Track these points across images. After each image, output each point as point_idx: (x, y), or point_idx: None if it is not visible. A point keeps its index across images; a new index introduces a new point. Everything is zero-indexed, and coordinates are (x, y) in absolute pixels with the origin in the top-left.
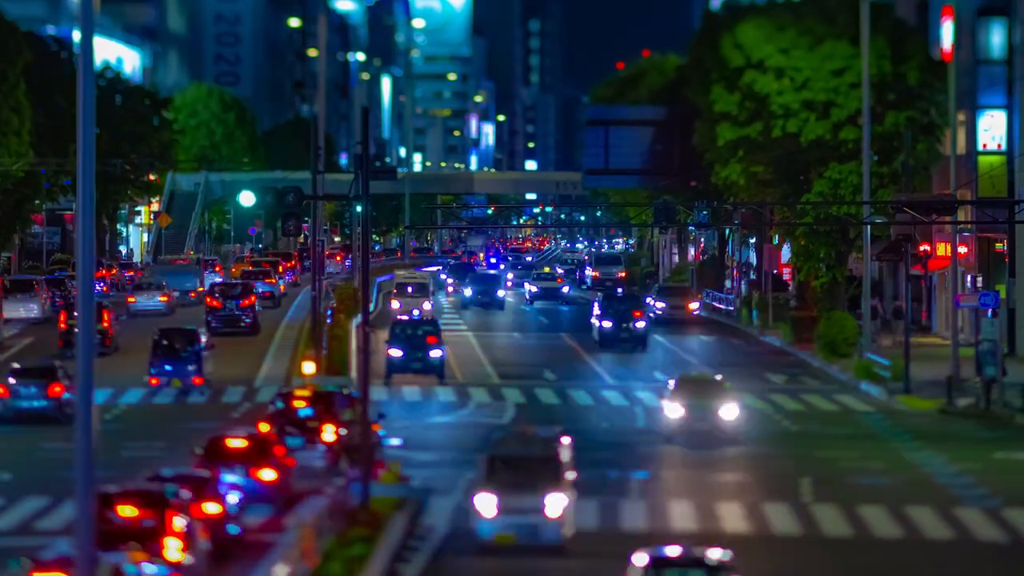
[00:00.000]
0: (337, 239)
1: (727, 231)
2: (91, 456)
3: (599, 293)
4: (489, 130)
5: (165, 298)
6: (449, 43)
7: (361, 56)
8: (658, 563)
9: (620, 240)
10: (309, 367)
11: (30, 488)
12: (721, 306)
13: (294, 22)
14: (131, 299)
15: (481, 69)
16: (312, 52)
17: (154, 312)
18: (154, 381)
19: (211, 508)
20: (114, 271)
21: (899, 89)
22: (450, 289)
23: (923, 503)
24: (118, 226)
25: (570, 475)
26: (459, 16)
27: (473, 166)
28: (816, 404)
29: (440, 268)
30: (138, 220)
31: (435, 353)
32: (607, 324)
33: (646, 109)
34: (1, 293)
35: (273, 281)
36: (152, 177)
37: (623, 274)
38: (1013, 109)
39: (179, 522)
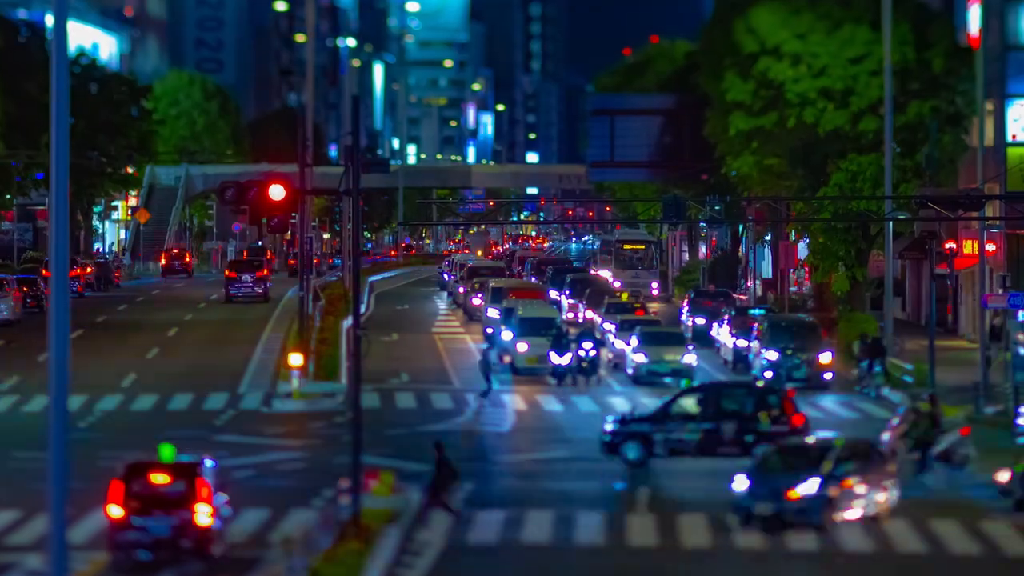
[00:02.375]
0: (326, 236)
1: (740, 227)
2: (66, 465)
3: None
4: (488, 120)
5: None
6: (445, 28)
7: (352, 42)
8: None
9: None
10: (296, 370)
11: None
12: None
13: (280, 5)
14: None
15: (479, 55)
16: (300, 37)
17: None
18: None
19: None
20: (89, 270)
21: (923, 77)
22: None
23: (948, 516)
24: (94, 222)
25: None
26: None
27: (471, 158)
28: (835, 411)
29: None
30: (115, 216)
31: None
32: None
33: (654, 98)
34: None
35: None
36: (130, 170)
37: None
38: None
39: None
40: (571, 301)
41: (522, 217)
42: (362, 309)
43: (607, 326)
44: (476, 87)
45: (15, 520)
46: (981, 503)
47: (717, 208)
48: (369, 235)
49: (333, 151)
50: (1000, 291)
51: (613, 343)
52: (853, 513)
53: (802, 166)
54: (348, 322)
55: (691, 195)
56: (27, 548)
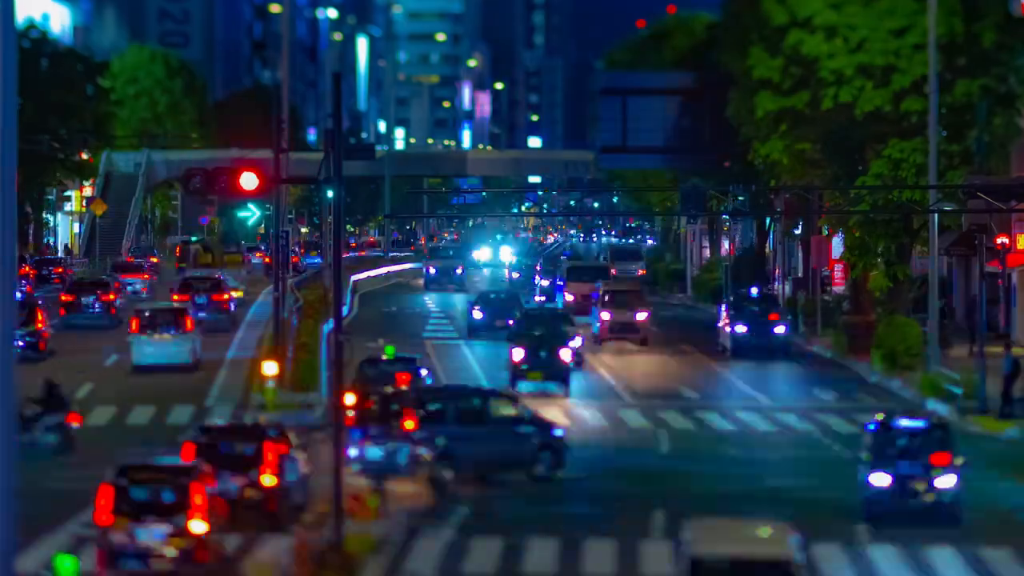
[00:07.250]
0: (304, 229)
1: (767, 220)
2: (12, 482)
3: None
4: (485, 100)
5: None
6: None
7: (333, 12)
8: None
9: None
10: (270, 375)
11: None
12: None
13: None
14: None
15: (475, 28)
16: (274, 8)
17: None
18: None
19: None
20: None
21: (972, 52)
22: None
23: (1001, 544)
24: (44, 214)
25: None
26: None
27: (466, 143)
28: None
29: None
30: (68, 207)
31: None
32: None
33: (671, 76)
34: None
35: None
36: (84, 156)
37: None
38: None
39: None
40: None
41: (523, 209)
42: (344, 311)
43: None
44: (472, 63)
45: None
46: None
47: (741, 199)
48: (352, 228)
49: (312, 135)
50: None
51: None
52: None
53: (837, 152)
54: (329, 326)
55: (712, 184)
56: None
